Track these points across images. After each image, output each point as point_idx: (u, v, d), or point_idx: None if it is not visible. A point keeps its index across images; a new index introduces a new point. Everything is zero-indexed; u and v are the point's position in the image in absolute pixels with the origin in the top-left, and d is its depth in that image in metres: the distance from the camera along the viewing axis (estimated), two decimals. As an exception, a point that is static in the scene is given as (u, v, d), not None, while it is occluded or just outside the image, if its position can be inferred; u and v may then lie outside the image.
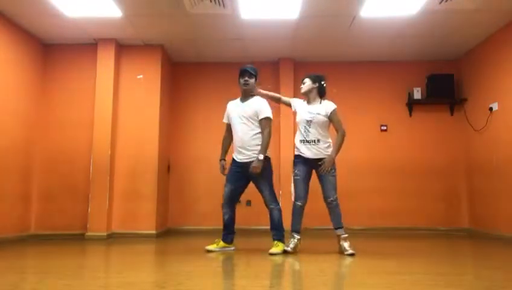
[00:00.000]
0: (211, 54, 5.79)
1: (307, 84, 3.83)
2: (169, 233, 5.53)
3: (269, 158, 3.79)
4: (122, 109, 5.32)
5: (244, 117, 3.77)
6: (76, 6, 4.36)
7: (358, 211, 5.66)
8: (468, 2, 4.21)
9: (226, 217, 3.84)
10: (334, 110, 3.74)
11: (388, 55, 5.81)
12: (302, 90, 3.86)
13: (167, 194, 5.75)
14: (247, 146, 3.74)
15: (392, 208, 5.69)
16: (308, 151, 3.71)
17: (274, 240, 3.72)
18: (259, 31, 4.99)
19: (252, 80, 3.82)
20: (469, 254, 4.01)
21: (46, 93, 5.31)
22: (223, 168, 3.92)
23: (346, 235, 3.66)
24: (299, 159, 3.76)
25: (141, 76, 5.37)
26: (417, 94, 5.81)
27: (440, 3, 4.25)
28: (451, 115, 5.88)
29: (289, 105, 4.03)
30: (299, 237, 3.74)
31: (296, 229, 3.74)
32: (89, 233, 4.93)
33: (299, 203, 3.71)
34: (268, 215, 3.78)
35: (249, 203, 5.56)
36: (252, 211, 5.52)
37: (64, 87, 5.32)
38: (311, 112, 3.74)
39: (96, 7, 4.37)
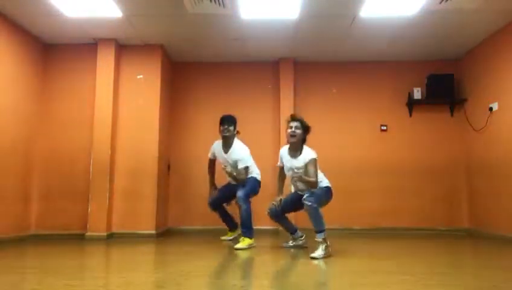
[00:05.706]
0: (211, 54, 5.79)
1: (299, 133, 3.67)
2: (169, 233, 5.53)
3: (256, 179, 4.38)
4: (122, 108, 5.31)
5: (229, 163, 4.35)
6: (76, 6, 4.36)
7: (358, 211, 5.65)
8: (468, 2, 4.21)
9: (218, 215, 4.63)
10: (310, 160, 3.58)
11: (388, 55, 5.81)
12: (292, 140, 3.68)
13: (167, 194, 5.75)
14: (237, 178, 4.28)
15: (392, 208, 5.69)
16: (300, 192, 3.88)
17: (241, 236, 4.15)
18: (259, 31, 4.99)
19: (231, 128, 4.30)
20: (469, 253, 4.02)
21: (46, 93, 5.31)
22: (215, 189, 4.60)
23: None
24: None
25: (141, 76, 5.37)
26: (417, 94, 5.80)
27: (440, 3, 4.24)
28: (451, 115, 5.87)
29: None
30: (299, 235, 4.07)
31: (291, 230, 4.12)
32: (89, 233, 4.93)
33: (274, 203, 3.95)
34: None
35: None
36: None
37: (64, 87, 5.32)
38: (293, 168, 3.72)
39: (96, 7, 4.37)
